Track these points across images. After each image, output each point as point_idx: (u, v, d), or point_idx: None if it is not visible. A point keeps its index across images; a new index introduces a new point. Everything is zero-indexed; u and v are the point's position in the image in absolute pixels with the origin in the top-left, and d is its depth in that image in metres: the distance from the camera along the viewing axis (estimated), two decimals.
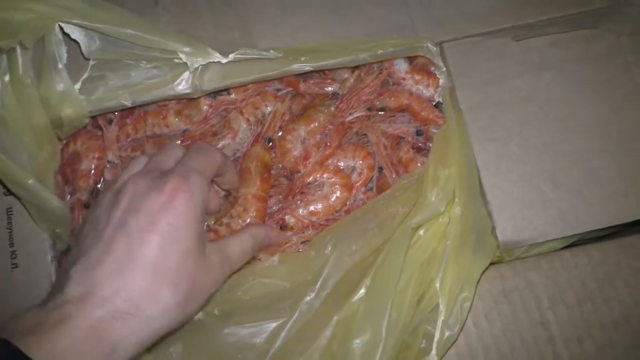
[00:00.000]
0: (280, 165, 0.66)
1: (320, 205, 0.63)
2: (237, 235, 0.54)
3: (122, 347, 0.40)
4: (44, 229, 0.59)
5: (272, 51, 0.59)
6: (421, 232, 0.55)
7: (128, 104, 0.59)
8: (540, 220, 0.57)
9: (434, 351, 0.52)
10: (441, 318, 0.52)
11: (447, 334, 0.52)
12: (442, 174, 0.56)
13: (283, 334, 0.53)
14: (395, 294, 0.50)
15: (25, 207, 0.58)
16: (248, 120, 0.66)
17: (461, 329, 0.53)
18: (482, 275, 0.54)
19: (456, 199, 0.55)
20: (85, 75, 0.58)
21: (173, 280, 0.43)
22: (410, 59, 0.67)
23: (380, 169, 0.65)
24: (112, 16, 0.54)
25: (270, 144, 0.65)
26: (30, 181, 0.53)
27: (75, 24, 0.53)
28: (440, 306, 0.52)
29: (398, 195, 0.59)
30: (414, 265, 0.53)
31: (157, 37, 0.55)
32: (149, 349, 0.45)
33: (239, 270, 0.54)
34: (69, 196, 0.64)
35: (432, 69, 0.66)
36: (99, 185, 0.65)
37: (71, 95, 0.57)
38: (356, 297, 0.52)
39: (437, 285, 0.53)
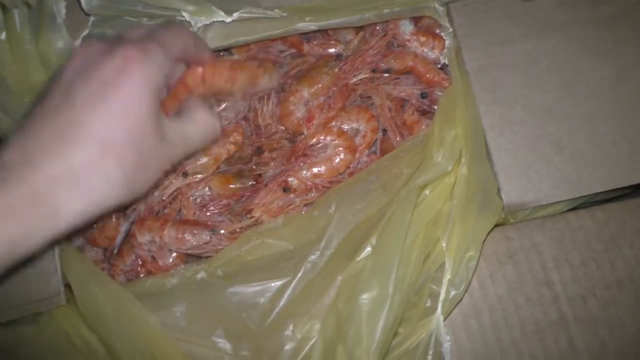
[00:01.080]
0: (283, 127, 0.65)
1: (323, 168, 0.63)
2: (198, 120, 0.49)
3: (62, 213, 0.39)
4: None
5: (277, 10, 0.58)
6: (427, 191, 0.55)
7: None
8: (544, 183, 0.57)
9: (439, 310, 0.52)
10: (447, 277, 0.52)
11: (452, 293, 0.52)
12: (448, 135, 0.56)
13: (287, 293, 0.53)
14: (402, 252, 0.49)
15: None
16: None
17: (467, 289, 0.52)
18: (487, 235, 0.54)
19: (462, 159, 0.55)
20: (85, 32, 0.57)
21: (118, 153, 0.41)
22: (416, 21, 0.66)
23: (384, 131, 0.64)
24: None
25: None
26: None
27: None
28: (447, 265, 0.52)
29: (402, 156, 0.58)
30: (420, 224, 0.52)
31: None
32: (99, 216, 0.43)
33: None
34: None
35: (438, 30, 0.65)
36: None
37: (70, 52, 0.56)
38: (361, 256, 0.52)
39: (444, 244, 0.52)
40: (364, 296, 0.48)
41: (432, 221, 0.54)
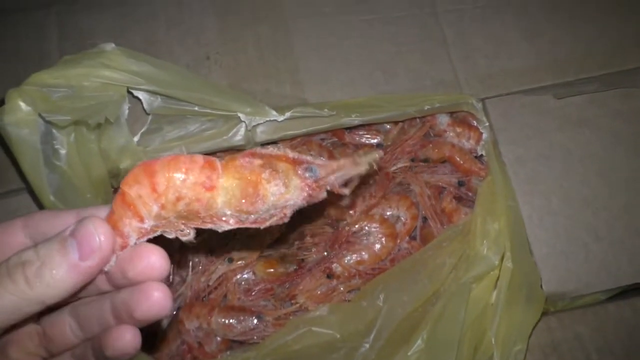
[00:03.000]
0: (326, 214, 0.67)
1: (366, 254, 0.65)
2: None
3: None
4: None
5: (326, 110, 0.61)
6: (473, 285, 0.56)
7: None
8: (583, 272, 0.59)
9: None
10: None
11: None
12: (491, 227, 0.58)
13: None
14: (457, 349, 0.51)
15: None
16: None
17: None
18: (533, 328, 0.56)
19: (507, 252, 0.57)
20: (144, 129, 0.60)
21: None
22: (451, 112, 0.69)
23: (424, 218, 0.66)
24: (178, 80, 0.56)
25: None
26: None
27: (143, 89, 0.55)
28: (495, 359, 0.53)
29: (445, 246, 0.60)
30: (469, 318, 0.54)
31: (220, 98, 0.57)
32: None
33: None
34: None
35: (473, 121, 0.68)
36: None
37: (130, 148, 0.59)
38: (413, 349, 0.53)
39: (492, 338, 0.54)
40: None
41: (480, 313, 0.55)
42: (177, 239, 0.35)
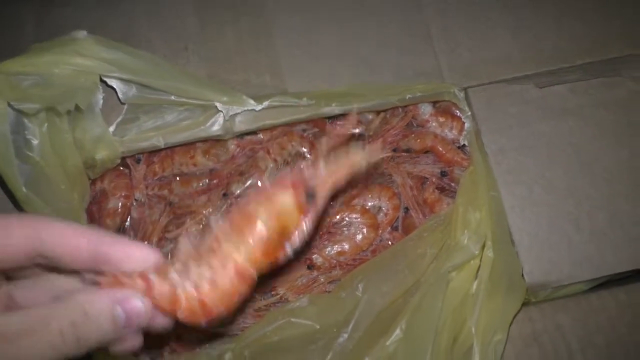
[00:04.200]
0: None
1: (347, 245, 0.64)
2: (47, 318, 0.30)
3: None
4: None
5: (305, 99, 0.60)
6: (453, 273, 0.56)
7: (161, 145, 0.60)
8: (566, 263, 0.58)
9: None
10: None
11: None
12: (473, 217, 0.57)
13: None
14: (434, 337, 0.50)
15: None
16: (275, 159, 0.67)
17: None
18: (514, 318, 0.55)
19: (488, 242, 0.56)
20: (119, 119, 0.59)
21: None
22: (434, 102, 0.69)
23: (406, 209, 0.66)
24: (152, 68, 0.55)
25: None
26: None
27: (116, 77, 0.54)
28: (475, 348, 0.53)
29: (426, 236, 0.60)
30: (448, 307, 0.53)
31: (196, 87, 0.57)
32: None
33: None
34: None
35: (455, 111, 0.68)
36: (126, 224, 0.65)
37: (106, 139, 0.58)
38: (391, 339, 0.53)
39: (472, 328, 0.53)
40: None
41: (459, 303, 0.55)
42: None
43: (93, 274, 0.32)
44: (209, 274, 0.36)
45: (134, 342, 0.34)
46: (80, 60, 0.52)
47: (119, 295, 0.32)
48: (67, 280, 0.35)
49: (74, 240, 0.32)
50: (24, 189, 0.51)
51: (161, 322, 0.35)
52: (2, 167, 0.50)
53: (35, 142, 0.53)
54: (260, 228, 0.38)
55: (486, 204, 0.58)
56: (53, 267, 0.33)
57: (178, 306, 0.34)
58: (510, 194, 0.60)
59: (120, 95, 0.56)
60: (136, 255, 0.34)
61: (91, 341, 0.31)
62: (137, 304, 0.32)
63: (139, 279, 0.33)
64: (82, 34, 0.53)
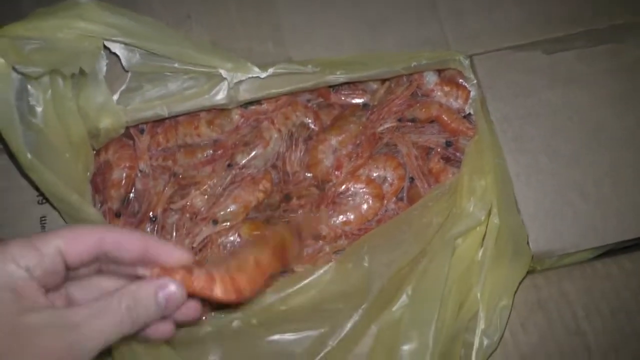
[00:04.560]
0: (311, 175, 0.66)
1: (352, 215, 0.64)
2: (107, 311, 0.37)
3: None
4: None
5: (309, 66, 0.60)
6: (459, 241, 0.56)
7: (165, 114, 0.60)
8: (571, 231, 0.58)
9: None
10: (481, 327, 0.53)
11: (486, 342, 0.53)
12: (478, 185, 0.57)
13: (324, 344, 0.54)
14: (440, 303, 0.50)
15: (62, 217, 0.58)
16: (279, 130, 0.66)
17: (500, 338, 0.53)
18: (519, 285, 0.55)
19: (494, 209, 0.56)
20: (123, 87, 0.58)
21: None
22: (439, 71, 0.68)
23: (411, 179, 0.66)
24: (156, 33, 0.55)
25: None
26: (74, 197, 0.53)
27: (119, 42, 0.53)
28: (480, 314, 0.53)
29: (431, 205, 0.60)
30: (454, 274, 0.53)
31: (201, 54, 0.56)
32: None
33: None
34: (99, 205, 0.64)
35: (460, 80, 0.67)
36: (130, 195, 0.65)
37: (110, 107, 0.58)
38: (397, 305, 0.53)
39: (478, 294, 0.53)
40: (405, 347, 0.49)
41: (465, 270, 0.55)
42: None
43: (143, 267, 0.39)
44: (235, 263, 0.44)
45: (168, 329, 0.41)
46: (84, 25, 0.51)
47: (160, 282, 0.38)
48: (111, 281, 0.41)
49: (128, 243, 0.39)
50: (29, 156, 0.51)
51: (192, 314, 0.42)
52: (7, 132, 0.50)
53: (39, 109, 0.52)
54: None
55: (492, 171, 0.58)
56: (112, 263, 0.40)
57: (213, 286, 0.40)
58: (515, 162, 0.60)
59: (124, 63, 0.56)
60: (176, 253, 0.41)
61: (142, 321, 0.37)
62: (174, 288, 0.38)
63: (181, 268, 0.39)
64: None
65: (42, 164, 0.52)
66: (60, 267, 0.36)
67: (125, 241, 0.39)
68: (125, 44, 0.54)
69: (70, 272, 0.38)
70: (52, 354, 0.34)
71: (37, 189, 0.57)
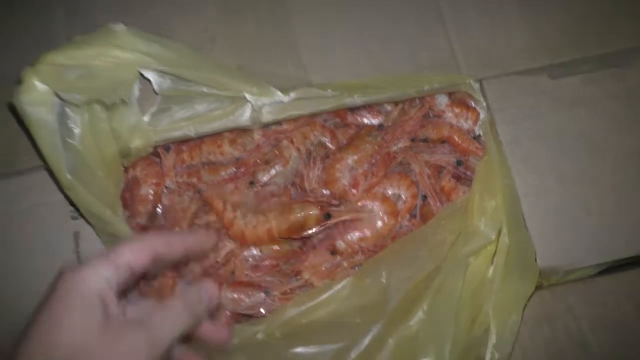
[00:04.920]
0: (328, 192, 0.69)
1: (368, 232, 0.67)
2: (168, 307, 0.44)
3: None
4: None
5: (329, 90, 0.63)
6: (471, 258, 0.59)
7: (192, 134, 0.63)
8: (577, 248, 0.62)
9: None
10: (492, 341, 0.56)
11: (497, 356, 0.56)
12: (488, 204, 0.60)
13: (344, 357, 0.56)
14: (455, 319, 0.53)
15: (95, 233, 0.61)
16: (298, 148, 0.70)
17: (511, 353, 0.56)
18: (528, 300, 0.58)
19: (503, 228, 0.59)
20: (153, 109, 0.62)
21: None
22: (450, 93, 0.71)
23: (424, 197, 0.69)
24: (186, 60, 0.58)
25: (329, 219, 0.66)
26: (108, 213, 0.56)
27: (153, 69, 0.57)
28: (491, 329, 0.56)
29: (444, 223, 0.63)
30: (467, 291, 0.57)
31: (228, 79, 0.59)
32: None
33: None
34: (127, 219, 0.68)
35: (470, 102, 0.71)
36: (157, 210, 0.68)
37: (141, 128, 0.61)
38: (414, 320, 0.56)
39: (489, 310, 0.56)
40: None
41: (477, 287, 0.58)
42: None
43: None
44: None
45: (224, 334, 0.50)
46: (120, 53, 0.55)
47: (204, 284, 0.47)
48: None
49: (175, 244, 0.46)
50: (68, 176, 0.54)
51: (222, 336, 0.50)
52: (49, 154, 0.53)
53: (77, 131, 0.56)
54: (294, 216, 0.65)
55: (501, 192, 0.62)
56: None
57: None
58: (523, 182, 0.63)
59: (155, 87, 0.59)
60: (210, 239, 0.50)
61: (197, 314, 0.45)
62: (213, 288, 0.48)
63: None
64: (119, 26, 0.55)
65: (79, 184, 0.55)
66: (130, 276, 0.42)
67: (173, 243, 0.45)
68: (158, 70, 0.57)
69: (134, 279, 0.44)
70: (136, 350, 0.39)
71: (72, 204, 0.60)
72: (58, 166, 0.54)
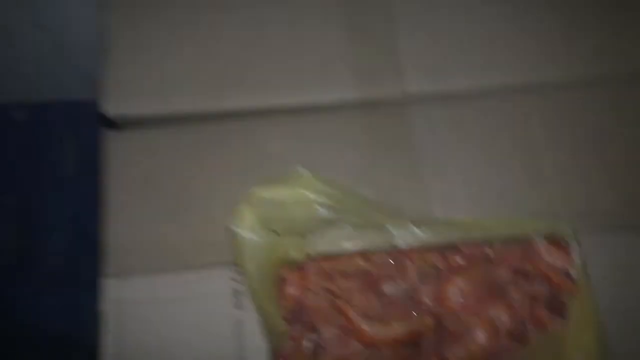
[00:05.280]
0: (441, 309, 0.83)
1: (473, 347, 0.80)
2: None
3: None
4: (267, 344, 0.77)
5: (452, 227, 0.78)
6: None
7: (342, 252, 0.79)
8: None
9: None
10: None
11: None
12: (582, 340, 0.72)
13: None
14: None
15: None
16: (417, 268, 0.84)
17: None
18: None
19: None
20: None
21: None
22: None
23: (522, 323, 0.81)
24: (349, 200, 0.75)
25: None
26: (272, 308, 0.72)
27: (326, 206, 0.74)
28: None
29: (541, 351, 0.75)
30: None
31: (378, 213, 0.75)
32: None
33: None
34: None
35: (565, 243, 0.84)
36: (299, 308, 0.84)
37: (299, 246, 0.77)
38: None
39: None
40: None
41: None
42: None
43: None
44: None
45: None
46: (307, 193, 0.72)
47: None
48: None
49: None
50: None
51: None
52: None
53: None
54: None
55: (593, 328, 0.74)
56: None
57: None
58: (613, 322, 0.75)
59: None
60: None
61: None
62: None
63: None
64: (305, 172, 0.73)
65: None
66: None
67: None
68: (326, 206, 0.74)
69: None
70: None
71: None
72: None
